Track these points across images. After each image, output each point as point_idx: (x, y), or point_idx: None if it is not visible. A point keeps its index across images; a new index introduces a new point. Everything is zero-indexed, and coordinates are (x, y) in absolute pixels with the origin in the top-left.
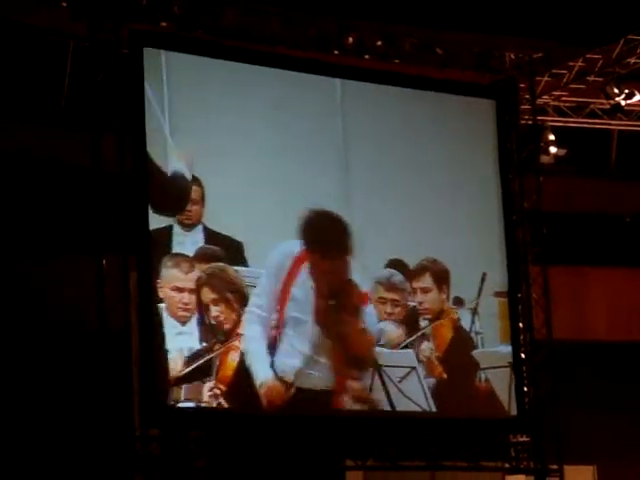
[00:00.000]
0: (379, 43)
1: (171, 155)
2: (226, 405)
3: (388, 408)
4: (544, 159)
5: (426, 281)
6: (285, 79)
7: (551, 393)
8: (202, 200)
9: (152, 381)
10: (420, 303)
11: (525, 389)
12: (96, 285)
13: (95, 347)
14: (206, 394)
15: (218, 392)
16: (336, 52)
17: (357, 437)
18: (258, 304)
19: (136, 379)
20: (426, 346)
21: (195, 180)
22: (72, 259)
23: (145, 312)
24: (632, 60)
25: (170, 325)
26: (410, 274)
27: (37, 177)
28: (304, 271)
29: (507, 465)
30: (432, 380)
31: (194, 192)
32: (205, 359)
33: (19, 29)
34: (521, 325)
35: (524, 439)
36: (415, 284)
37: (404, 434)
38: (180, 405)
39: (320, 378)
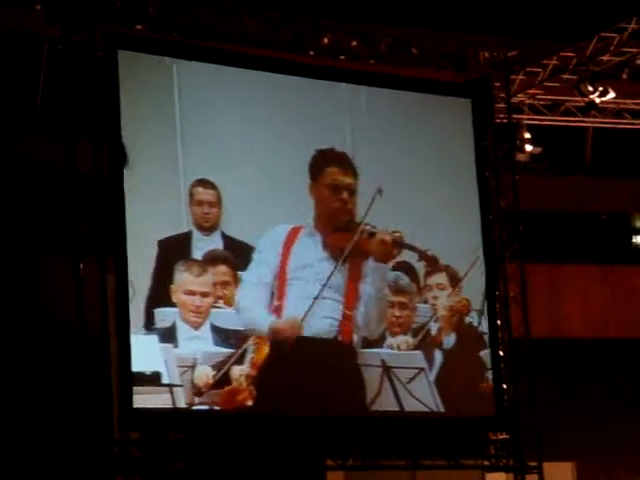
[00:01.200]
0: (354, 43)
1: None
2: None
3: (397, 408)
4: (520, 157)
5: (442, 278)
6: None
7: (529, 391)
8: (219, 204)
9: (129, 384)
10: (434, 298)
11: (504, 387)
12: (74, 288)
13: (74, 350)
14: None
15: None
16: (311, 53)
17: (337, 437)
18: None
19: (115, 382)
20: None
21: (210, 184)
22: (49, 262)
23: (122, 314)
24: (606, 57)
25: (183, 330)
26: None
27: (13, 180)
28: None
29: (487, 463)
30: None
31: (211, 195)
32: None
33: None
34: (499, 323)
35: (503, 437)
36: (429, 281)
37: (383, 433)
38: (153, 407)
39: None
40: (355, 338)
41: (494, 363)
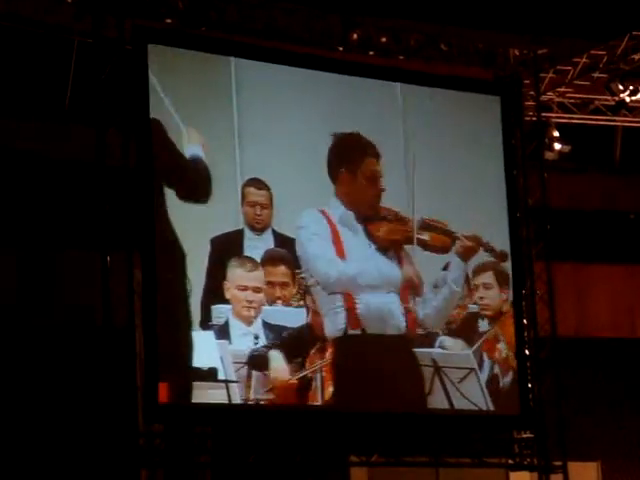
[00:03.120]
0: (384, 39)
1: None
2: None
3: (447, 407)
4: (548, 155)
5: (488, 277)
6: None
7: (555, 390)
8: (271, 204)
9: (155, 377)
10: (481, 299)
11: (529, 386)
12: (101, 281)
13: (100, 343)
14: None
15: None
16: (340, 48)
17: (361, 433)
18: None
19: (140, 375)
20: (502, 346)
21: (262, 183)
22: (77, 255)
23: (149, 308)
24: (637, 56)
25: (236, 326)
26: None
27: (42, 174)
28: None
29: (511, 461)
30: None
31: (263, 197)
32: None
33: (24, 26)
34: (525, 322)
35: (528, 435)
36: (476, 281)
37: (408, 430)
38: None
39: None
40: (413, 334)
41: (520, 362)
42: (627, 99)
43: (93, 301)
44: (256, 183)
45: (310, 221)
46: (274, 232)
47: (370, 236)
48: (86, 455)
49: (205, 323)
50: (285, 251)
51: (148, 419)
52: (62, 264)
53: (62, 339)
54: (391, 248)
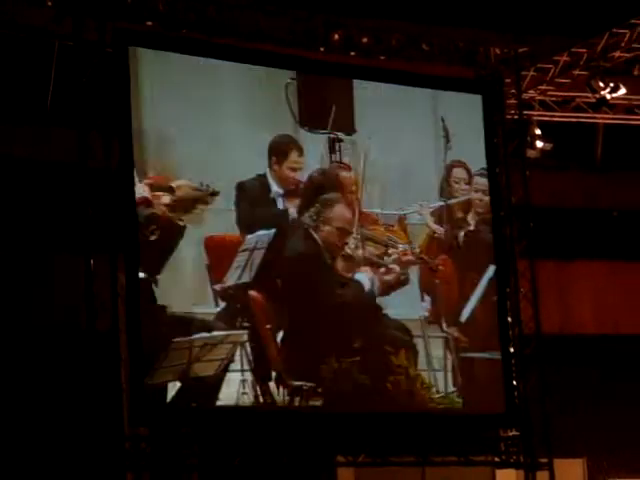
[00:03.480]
0: (365, 39)
1: None
2: None
3: None
4: (530, 153)
5: None
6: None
7: (540, 387)
8: None
9: (141, 379)
10: None
11: (514, 383)
12: (85, 284)
13: (84, 346)
14: None
15: None
16: (322, 49)
17: (348, 433)
18: None
19: (125, 378)
20: None
21: None
22: (60, 258)
23: (133, 311)
24: (617, 54)
25: None
26: None
27: (24, 177)
28: None
29: (497, 459)
30: None
31: None
32: None
33: (3, 28)
34: (509, 319)
35: (514, 433)
36: None
37: (394, 429)
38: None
39: None
40: None
41: (504, 360)
42: (608, 96)
43: (77, 304)
44: None
45: None
46: None
47: None
48: (72, 458)
49: None
50: None
51: (133, 422)
52: (45, 267)
53: (46, 342)
54: None
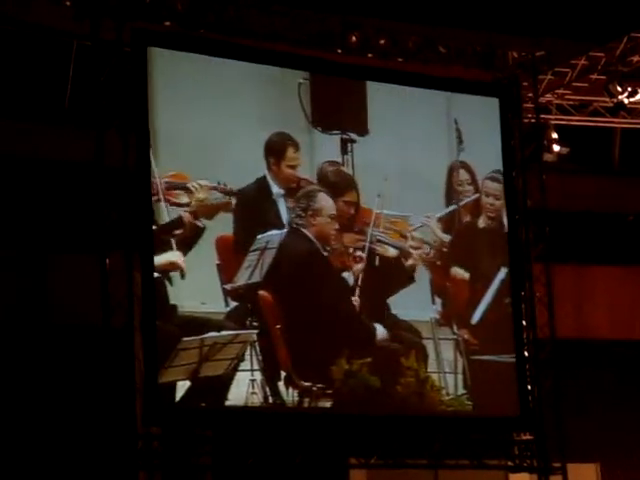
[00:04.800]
0: (382, 41)
1: None
2: None
3: None
4: (547, 157)
5: None
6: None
7: (554, 391)
8: None
9: (154, 378)
10: None
11: (529, 387)
12: (100, 283)
13: (99, 345)
14: None
15: None
16: (339, 51)
17: (361, 435)
18: None
19: (139, 377)
20: None
21: None
22: (76, 257)
23: (148, 310)
24: (635, 58)
25: None
26: None
27: (41, 176)
28: None
29: (510, 463)
30: None
31: None
32: None
33: (23, 28)
34: (524, 323)
35: (527, 437)
36: None
37: (407, 432)
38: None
39: None
40: None
41: (519, 363)
42: (625, 101)
43: (92, 303)
44: None
45: None
46: None
47: None
48: (84, 457)
49: None
50: None
51: (146, 421)
52: (61, 266)
53: (61, 341)
54: None
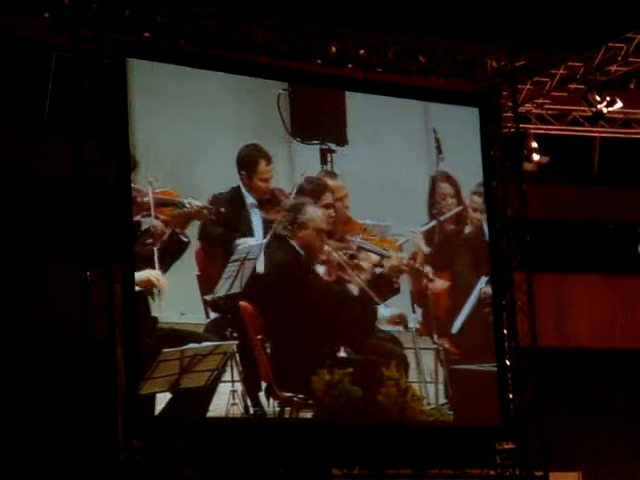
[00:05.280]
0: (362, 52)
1: None
2: None
3: None
4: (527, 166)
5: None
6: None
7: (536, 400)
8: None
9: (135, 390)
10: None
11: (510, 396)
12: (81, 295)
13: (80, 357)
14: None
15: None
16: (319, 61)
17: (343, 445)
18: None
19: (120, 390)
20: None
21: None
22: (57, 268)
23: (129, 321)
24: (613, 68)
25: None
26: None
27: (21, 186)
28: None
29: (493, 472)
30: None
31: None
32: None
33: (1, 40)
34: (505, 332)
35: (509, 446)
36: None
37: (390, 442)
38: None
39: None
40: None
41: (500, 372)
42: (604, 110)
43: (73, 315)
44: None
45: None
46: None
47: None
48: (67, 470)
49: None
50: None
51: (128, 434)
52: (42, 277)
53: (42, 353)
54: None
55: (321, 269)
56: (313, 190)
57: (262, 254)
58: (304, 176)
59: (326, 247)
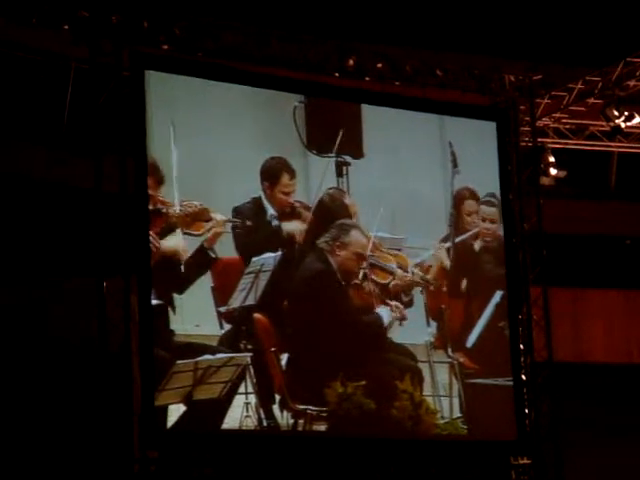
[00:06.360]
0: (379, 65)
1: None
2: None
3: None
4: (544, 181)
5: None
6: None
7: (551, 415)
8: None
9: (151, 402)
10: None
11: (526, 411)
12: (97, 307)
13: (96, 369)
14: None
15: None
16: (336, 74)
17: (356, 459)
18: None
19: (136, 401)
20: None
21: None
22: (74, 281)
23: (145, 334)
24: (632, 82)
25: None
26: None
27: (39, 199)
28: None
29: None
30: None
31: None
32: None
33: (21, 52)
34: (522, 347)
35: (525, 461)
36: None
37: (403, 456)
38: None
39: None
40: None
41: (516, 387)
42: (622, 125)
43: (90, 327)
44: None
45: None
46: None
47: None
48: None
49: None
50: None
51: (144, 445)
52: (59, 290)
53: (59, 364)
54: None
55: (350, 290)
56: (337, 208)
57: (279, 265)
58: (322, 190)
59: (362, 272)
